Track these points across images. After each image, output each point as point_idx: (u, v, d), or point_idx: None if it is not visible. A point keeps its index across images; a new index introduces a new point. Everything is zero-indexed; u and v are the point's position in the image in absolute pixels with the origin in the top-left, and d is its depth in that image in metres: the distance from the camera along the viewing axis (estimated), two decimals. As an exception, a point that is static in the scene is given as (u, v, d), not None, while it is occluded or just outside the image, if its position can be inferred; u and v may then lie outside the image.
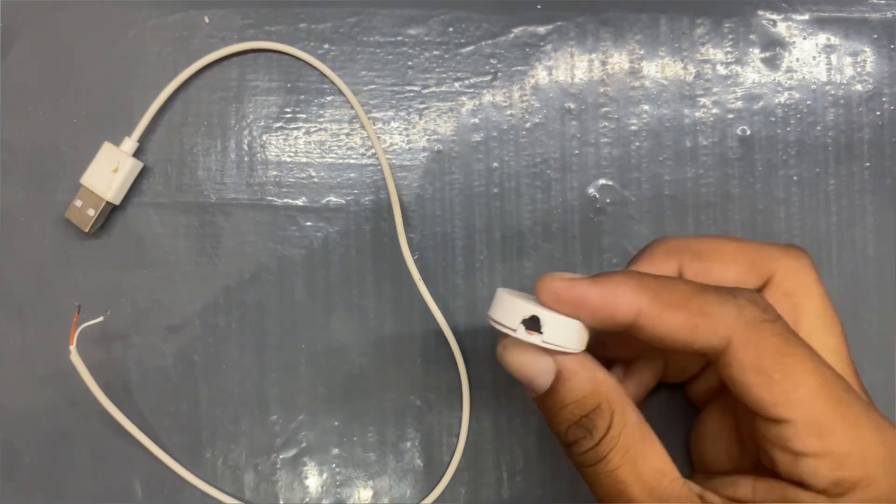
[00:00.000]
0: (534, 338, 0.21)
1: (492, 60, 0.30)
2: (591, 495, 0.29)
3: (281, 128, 0.30)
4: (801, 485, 0.20)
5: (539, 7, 0.30)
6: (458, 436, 0.29)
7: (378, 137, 0.30)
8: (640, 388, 0.26)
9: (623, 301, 0.21)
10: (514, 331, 0.21)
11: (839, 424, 0.20)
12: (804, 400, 0.20)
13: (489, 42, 0.30)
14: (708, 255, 0.23)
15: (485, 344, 0.29)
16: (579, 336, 0.21)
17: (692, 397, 0.28)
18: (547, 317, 0.21)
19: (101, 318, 0.29)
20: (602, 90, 0.30)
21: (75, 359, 0.28)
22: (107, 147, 0.29)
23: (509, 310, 0.21)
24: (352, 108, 0.30)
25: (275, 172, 0.30)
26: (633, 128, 0.30)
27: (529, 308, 0.21)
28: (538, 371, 0.22)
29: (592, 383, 0.21)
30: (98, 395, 0.28)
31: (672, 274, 0.23)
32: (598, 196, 0.30)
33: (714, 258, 0.23)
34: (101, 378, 0.29)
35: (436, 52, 0.30)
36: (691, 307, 0.20)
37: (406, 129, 0.30)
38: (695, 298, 0.21)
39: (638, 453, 0.21)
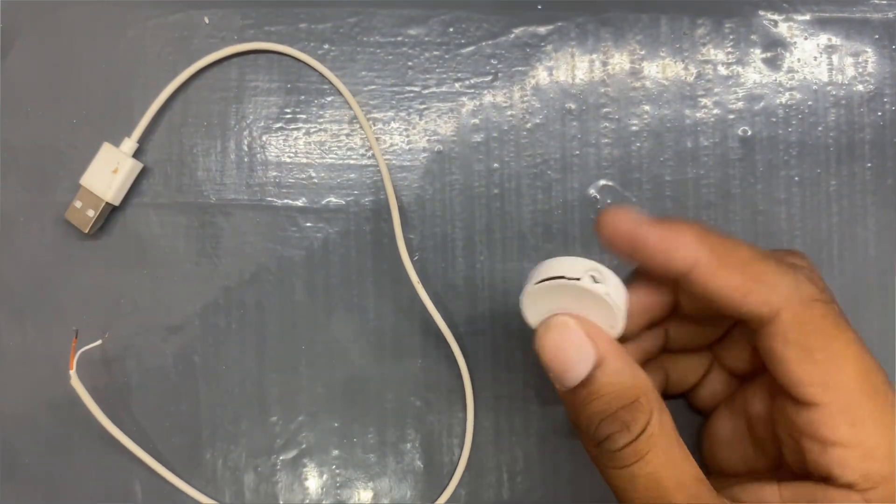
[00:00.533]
0: (598, 287, 0.20)
1: (492, 61, 0.30)
2: (591, 495, 0.29)
3: (281, 128, 0.30)
4: (828, 479, 0.20)
5: (539, 7, 0.30)
6: (458, 436, 0.29)
7: (378, 138, 0.30)
8: None
9: (683, 248, 0.20)
10: (579, 279, 0.20)
11: (872, 415, 0.19)
12: (841, 384, 0.19)
13: (490, 42, 0.30)
14: (760, 261, 0.22)
15: (485, 344, 0.29)
16: (625, 309, 0.21)
17: (697, 405, 0.27)
18: (608, 274, 0.20)
19: (99, 342, 0.29)
20: (603, 90, 0.30)
21: (75, 383, 0.28)
22: (106, 147, 0.29)
23: (572, 264, 0.21)
24: (352, 108, 0.30)
25: (275, 173, 0.30)
26: (634, 128, 0.30)
27: (591, 264, 0.20)
28: (578, 357, 0.21)
29: (633, 376, 0.20)
30: (98, 415, 0.28)
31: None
32: (598, 197, 0.30)
33: (767, 268, 0.22)
34: (101, 379, 0.29)
35: (436, 53, 0.30)
36: (749, 270, 0.20)
37: (406, 129, 0.30)
38: (755, 263, 0.20)
39: (679, 457, 0.20)
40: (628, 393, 0.20)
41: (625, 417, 0.20)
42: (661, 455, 0.20)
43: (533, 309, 0.22)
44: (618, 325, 0.21)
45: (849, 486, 0.19)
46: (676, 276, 0.21)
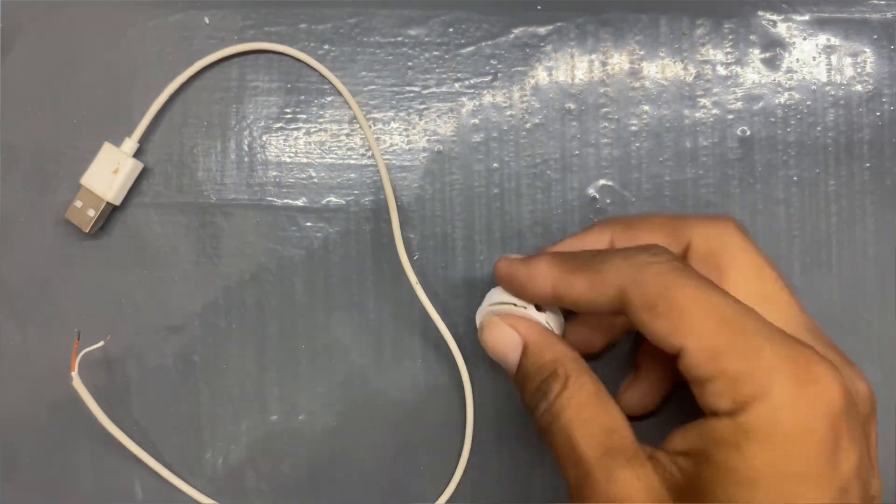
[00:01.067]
0: (539, 315, 0.25)
1: (492, 61, 0.30)
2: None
3: (281, 128, 0.30)
4: (715, 415, 0.21)
5: (539, 8, 0.30)
6: (457, 436, 0.29)
7: (378, 138, 0.30)
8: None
9: (540, 274, 0.24)
10: (525, 308, 0.25)
11: (729, 344, 0.20)
12: (692, 327, 0.21)
13: (489, 42, 0.30)
14: (636, 227, 0.25)
15: (485, 344, 0.29)
16: (560, 333, 0.26)
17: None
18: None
19: (100, 344, 0.29)
20: (602, 91, 0.30)
21: (78, 385, 0.28)
22: (107, 148, 0.29)
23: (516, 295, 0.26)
24: (352, 108, 0.30)
25: (275, 173, 0.30)
26: (634, 128, 0.30)
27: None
28: (509, 346, 0.25)
29: (552, 353, 0.24)
30: (100, 417, 0.28)
31: (604, 246, 0.26)
32: (598, 197, 0.30)
33: (641, 228, 0.25)
34: (101, 379, 0.29)
35: (436, 53, 0.30)
36: (589, 268, 0.23)
37: (406, 129, 0.30)
38: (593, 260, 0.23)
39: (591, 414, 0.23)
40: (547, 367, 0.24)
41: (544, 388, 0.23)
42: (572, 412, 0.23)
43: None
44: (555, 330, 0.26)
45: (727, 415, 0.20)
46: (553, 300, 0.24)
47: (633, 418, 0.26)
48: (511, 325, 0.25)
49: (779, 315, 0.22)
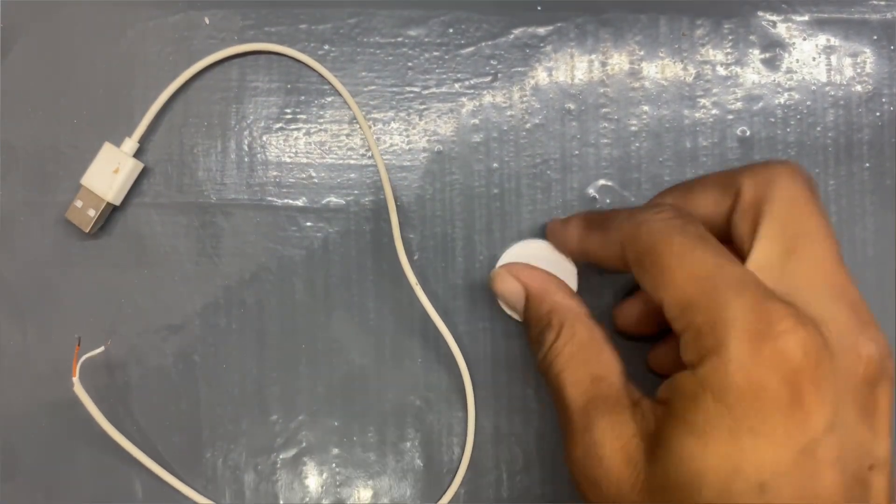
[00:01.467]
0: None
1: (492, 61, 0.30)
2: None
3: (281, 128, 0.30)
4: (684, 367, 0.21)
5: (539, 8, 0.30)
6: (457, 435, 0.29)
7: (378, 138, 0.30)
8: None
9: (570, 231, 0.26)
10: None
11: (698, 298, 0.20)
12: (670, 281, 0.21)
13: (489, 43, 0.30)
14: (692, 186, 0.25)
15: (484, 344, 0.29)
16: (575, 283, 0.28)
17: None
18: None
19: (101, 349, 0.29)
20: (602, 91, 0.30)
21: (79, 390, 0.28)
22: (107, 148, 0.29)
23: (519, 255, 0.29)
24: (351, 109, 0.30)
25: (275, 173, 0.30)
26: (633, 128, 0.30)
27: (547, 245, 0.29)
28: (514, 295, 0.27)
29: (548, 303, 0.26)
30: (101, 420, 0.28)
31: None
32: (598, 197, 0.30)
33: (695, 187, 0.25)
34: (101, 378, 0.29)
35: (436, 53, 0.30)
36: (602, 227, 0.24)
37: (406, 129, 0.30)
38: (606, 220, 0.24)
39: (580, 361, 0.24)
40: (543, 318, 0.25)
41: (540, 337, 0.25)
42: (562, 362, 0.24)
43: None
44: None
45: (690, 367, 0.20)
46: (586, 256, 0.26)
47: (630, 338, 0.29)
48: (514, 275, 0.27)
49: (801, 270, 0.21)
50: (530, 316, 0.26)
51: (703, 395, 0.20)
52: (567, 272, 0.28)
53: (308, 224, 0.30)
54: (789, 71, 0.30)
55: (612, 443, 0.22)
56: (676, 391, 0.21)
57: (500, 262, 0.28)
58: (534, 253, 0.28)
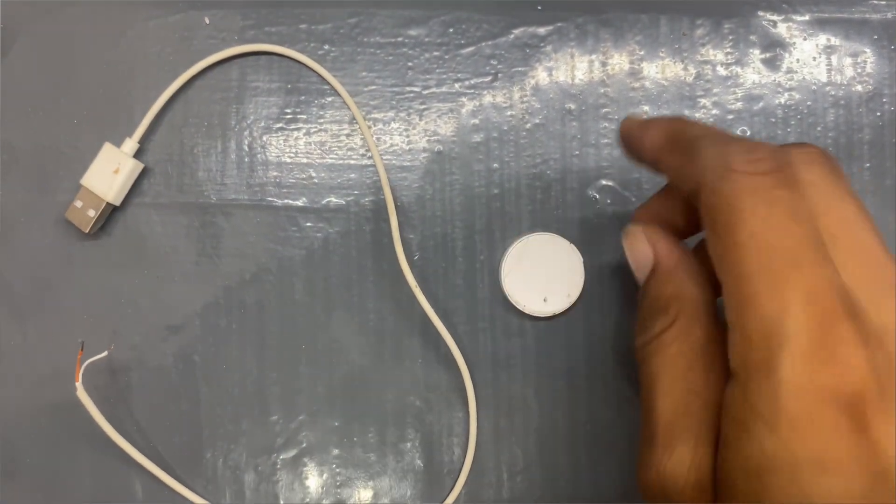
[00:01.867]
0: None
1: (492, 61, 0.30)
2: (591, 495, 0.29)
3: (281, 129, 0.30)
4: (732, 376, 0.18)
5: (539, 8, 0.30)
6: (458, 435, 0.29)
7: (378, 138, 0.30)
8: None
9: (648, 138, 0.23)
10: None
11: (760, 294, 0.17)
12: (733, 263, 0.18)
13: (489, 43, 0.30)
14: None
15: (484, 343, 0.29)
16: (582, 274, 0.28)
17: None
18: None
19: (104, 354, 0.29)
20: (602, 91, 0.30)
21: (82, 395, 0.28)
22: (107, 148, 0.29)
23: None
24: (351, 109, 0.30)
25: (275, 173, 0.30)
26: (634, 128, 0.30)
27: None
28: (642, 260, 0.23)
29: (674, 286, 0.22)
30: (104, 426, 0.28)
31: None
32: (598, 197, 0.30)
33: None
34: (101, 378, 0.29)
35: (436, 53, 0.30)
36: (687, 150, 0.21)
37: (406, 129, 0.30)
38: (693, 143, 0.21)
39: (682, 367, 0.21)
40: (661, 301, 0.22)
41: (650, 322, 0.22)
42: (664, 360, 0.21)
43: (508, 279, 0.29)
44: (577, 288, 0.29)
45: (737, 383, 0.18)
46: (647, 161, 0.23)
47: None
48: (651, 240, 0.23)
49: (846, 262, 0.18)
50: (648, 290, 0.23)
51: (754, 425, 0.17)
52: (573, 263, 0.28)
53: (308, 224, 0.30)
54: (790, 71, 0.30)
55: (688, 476, 0.19)
56: (728, 415, 0.18)
57: (507, 256, 0.28)
58: (539, 246, 0.28)
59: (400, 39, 0.30)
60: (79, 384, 0.28)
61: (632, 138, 0.24)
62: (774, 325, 0.17)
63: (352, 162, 0.30)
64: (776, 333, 0.17)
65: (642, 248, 0.23)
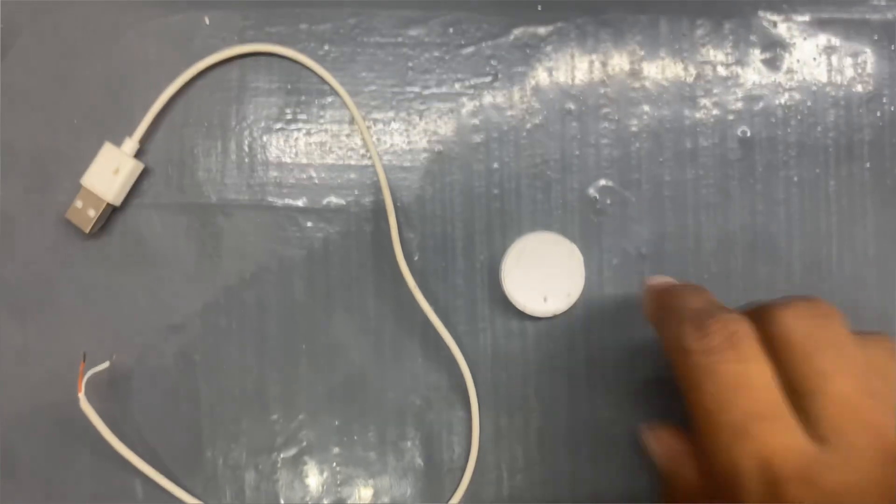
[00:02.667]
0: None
1: (492, 62, 0.30)
2: (591, 495, 0.29)
3: (281, 129, 0.30)
4: None
5: (539, 8, 0.30)
6: (458, 435, 0.29)
7: (378, 139, 0.30)
8: None
9: (644, 307, 0.26)
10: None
11: (714, 452, 0.22)
12: (695, 420, 0.22)
13: (489, 43, 0.30)
14: None
15: (484, 343, 0.30)
16: (582, 274, 0.29)
17: None
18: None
19: (106, 364, 0.29)
20: (602, 91, 0.30)
21: (85, 406, 0.28)
22: (108, 148, 0.29)
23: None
24: (350, 110, 0.30)
25: (275, 173, 0.30)
26: (634, 129, 0.30)
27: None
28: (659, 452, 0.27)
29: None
30: (108, 437, 0.28)
31: None
32: (598, 197, 0.30)
33: None
34: (101, 378, 0.29)
35: (436, 54, 0.30)
36: (666, 311, 0.24)
37: (406, 130, 0.30)
38: (664, 319, 0.24)
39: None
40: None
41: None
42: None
43: (508, 279, 0.29)
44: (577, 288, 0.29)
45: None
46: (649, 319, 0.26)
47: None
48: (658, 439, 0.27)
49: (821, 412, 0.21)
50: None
51: None
52: (573, 263, 0.28)
53: (308, 224, 0.30)
54: (790, 71, 0.30)
55: None
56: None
57: (507, 256, 0.28)
58: (539, 246, 0.28)
59: (400, 39, 0.30)
60: (82, 395, 0.28)
61: (643, 296, 0.27)
62: (731, 479, 0.21)
63: (352, 162, 0.30)
64: (734, 485, 0.20)
65: (653, 447, 0.27)
